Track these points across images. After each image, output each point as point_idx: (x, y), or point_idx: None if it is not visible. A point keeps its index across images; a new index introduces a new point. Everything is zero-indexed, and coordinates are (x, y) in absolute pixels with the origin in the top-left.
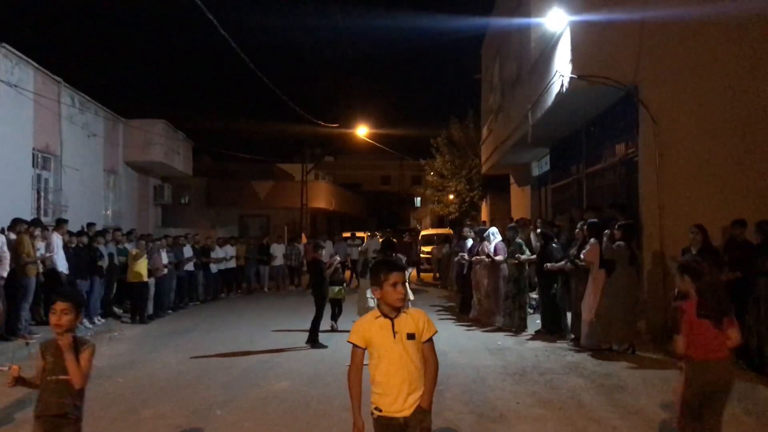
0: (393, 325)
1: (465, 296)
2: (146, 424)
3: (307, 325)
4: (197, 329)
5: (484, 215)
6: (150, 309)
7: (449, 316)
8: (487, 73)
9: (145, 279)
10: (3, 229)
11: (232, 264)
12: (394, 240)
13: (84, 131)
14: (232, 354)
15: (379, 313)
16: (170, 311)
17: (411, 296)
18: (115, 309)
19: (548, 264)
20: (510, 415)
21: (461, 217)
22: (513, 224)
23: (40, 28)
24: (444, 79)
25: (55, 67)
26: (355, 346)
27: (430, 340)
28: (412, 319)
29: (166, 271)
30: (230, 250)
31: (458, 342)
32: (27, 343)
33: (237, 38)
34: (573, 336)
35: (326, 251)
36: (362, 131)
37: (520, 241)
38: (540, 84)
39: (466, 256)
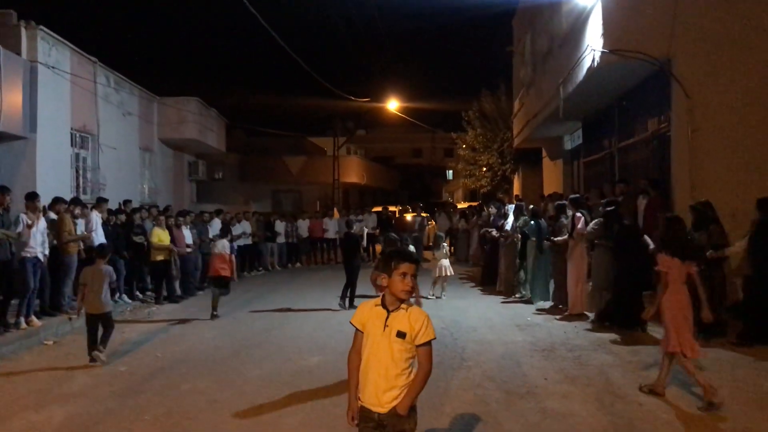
0: (387, 317)
1: (487, 269)
2: (185, 398)
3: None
4: (229, 305)
5: (517, 189)
6: (178, 289)
7: (475, 289)
8: (519, 46)
9: (162, 258)
10: (44, 208)
11: (248, 240)
12: (391, 215)
13: (119, 110)
14: (266, 329)
15: (379, 302)
16: (198, 291)
17: (450, 271)
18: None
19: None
20: (538, 391)
21: (493, 191)
22: (520, 202)
23: (74, 9)
24: (476, 51)
25: (90, 48)
26: (356, 328)
27: (427, 344)
28: (410, 318)
29: (189, 250)
30: (246, 226)
31: (488, 317)
32: (70, 318)
33: (267, 14)
34: (552, 304)
35: (332, 227)
36: (393, 105)
37: (525, 217)
38: (571, 58)
39: (494, 232)
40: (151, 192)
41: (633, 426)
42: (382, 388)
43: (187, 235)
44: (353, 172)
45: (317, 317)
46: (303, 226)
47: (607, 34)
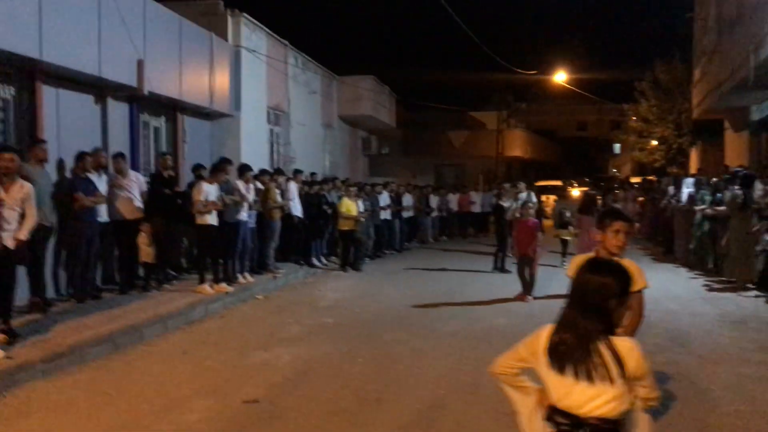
0: None
1: (667, 241)
2: (389, 347)
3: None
4: (409, 272)
5: (694, 163)
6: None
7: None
8: (702, 12)
9: (348, 227)
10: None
11: (411, 213)
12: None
13: (306, 89)
14: (447, 292)
15: (594, 255)
16: (368, 259)
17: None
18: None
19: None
20: (731, 358)
21: (667, 165)
22: (699, 177)
23: None
24: (648, 18)
25: (279, 31)
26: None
27: (639, 292)
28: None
29: (362, 219)
30: (408, 199)
31: (669, 289)
32: (274, 277)
33: None
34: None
35: (477, 200)
36: (560, 77)
37: (704, 191)
38: (765, 23)
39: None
40: (332, 166)
41: None
42: None
43: (360, 205)
44: (516, 145)
45: (491, 281)
46: (453, 200)
47: None
